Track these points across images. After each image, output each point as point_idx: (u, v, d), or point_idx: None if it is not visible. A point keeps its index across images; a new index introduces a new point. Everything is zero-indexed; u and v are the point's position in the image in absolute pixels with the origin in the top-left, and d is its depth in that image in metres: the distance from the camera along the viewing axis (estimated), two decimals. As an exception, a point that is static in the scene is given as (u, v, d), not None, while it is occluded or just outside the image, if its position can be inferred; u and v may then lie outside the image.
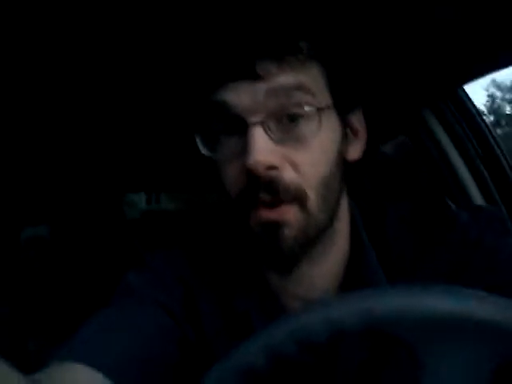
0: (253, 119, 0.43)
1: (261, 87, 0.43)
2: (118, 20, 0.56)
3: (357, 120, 0.52)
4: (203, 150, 0.47)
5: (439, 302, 0.28)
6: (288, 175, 0.44)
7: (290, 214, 0.44)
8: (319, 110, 0.44)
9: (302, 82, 0.44)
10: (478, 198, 1.02)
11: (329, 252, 0.50)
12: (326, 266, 0.51)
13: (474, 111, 1.04)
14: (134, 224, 2.06)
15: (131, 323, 0.47)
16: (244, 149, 0.43)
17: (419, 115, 1.07)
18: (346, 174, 0.51)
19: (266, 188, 0.44)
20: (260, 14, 0.44)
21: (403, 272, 0.50)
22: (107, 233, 1.74)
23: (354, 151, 0.52)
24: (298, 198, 0.44)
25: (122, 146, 1.31)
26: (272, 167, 0.43)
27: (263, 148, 0.42)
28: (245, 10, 0.44)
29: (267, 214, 0.44)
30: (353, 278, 0.51)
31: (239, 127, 0.44)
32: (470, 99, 1.05)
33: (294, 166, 0.44)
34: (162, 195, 3.06)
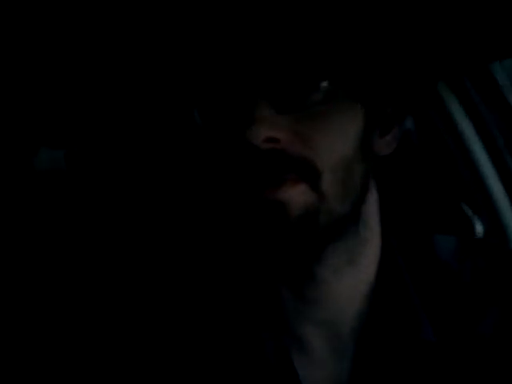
0: (258, 86, 0.41)
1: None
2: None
3: (387, 110, 0.48)
4: (200, 122, 0.45)
5: None
6: (296, 149, 0.41)
7: (294, 191, 0.41)
8: (333, 82, 0.42)
9: None
10: (503, 201, 0.80)
11: (356, 264, 0.46)
12: (352, 282, 0.46)
13: (505, 93, 0.80)
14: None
15: None
16: (245, 119, 0.40)
17: (434, 90, 0.82)
18: (375, 169, 0.48)
19: (268, 163, 0.40)
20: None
21: (453, 313, 0.46)
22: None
23: (384, 144, 0.48)
24: (307, 175, 0.41)
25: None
26: (274, 139, 0.40)
27: (265, 118, 0.40)
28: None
29: (267, 194, 0.41)
30: (385, 305, 0.46)
31: (242, 96, 0.42)
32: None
33: (306, 142, 0.41)
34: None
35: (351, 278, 0.46)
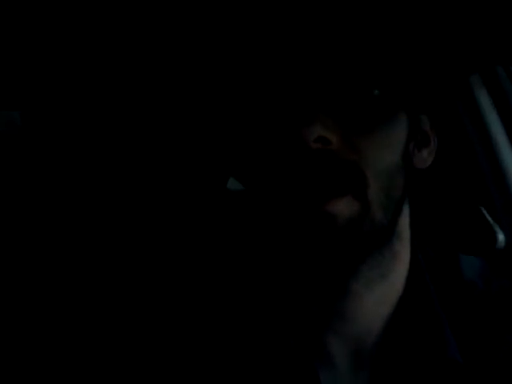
0: (313, 93, 0.41)
1: None
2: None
3: (426, 124, 0.50)
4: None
5: None
6: (345, 154, 0.40)
7: (341, 202, 0.40)
8: (383, 91, 0.42)
9: None
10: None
11: (387, 278, 0.46)
12: (382, 296, 0.46)
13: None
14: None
15: None
16: (299, 119, 0.40)
17: (464, 83, 0.75)
18: (411, 183, 0.47)
19: (317, 166, 0.39)
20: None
21: (478, 333, 0.46)
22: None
23: (422, 159, 0.49)
24: (353, 181, 0.40)
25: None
26: (325, 140, 0.39)
27: (318, 119, 0.39)
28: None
29: (316, 205, 0.39)
30: (411, 321, 0.46)
31: (297, 101, 0.41)
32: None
33: (354, 147, 0.41)
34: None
35: (381, 293, 0.46)
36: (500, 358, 0.45)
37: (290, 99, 0.42)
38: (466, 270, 0.50)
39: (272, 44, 0.43)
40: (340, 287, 0.45)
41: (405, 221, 0.48)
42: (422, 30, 0.54)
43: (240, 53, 0.47)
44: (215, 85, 0.56)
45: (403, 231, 0.47)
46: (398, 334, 0.46)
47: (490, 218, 0.73)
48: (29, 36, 0.81)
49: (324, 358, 0.47)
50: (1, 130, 1.29)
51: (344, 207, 0.40)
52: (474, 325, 0.46)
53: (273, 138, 0.42)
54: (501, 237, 0.71)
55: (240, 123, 0.45)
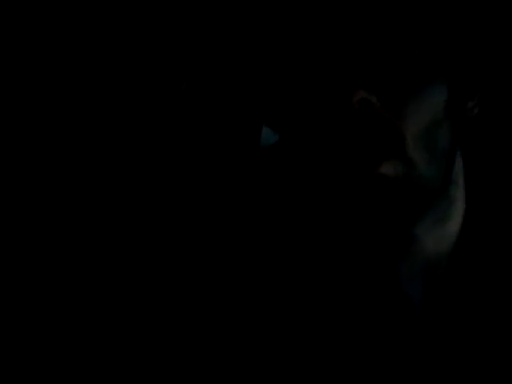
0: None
1: None
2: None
3: (469, 77, 0.51)
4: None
5: None
6: (384, 113, 0.44)
7: (388, 165, 0.44)
8: (425, 53, 0.45)
9: None
10: None
11: (443, 222, 0.50)
12: (438, 237, 0.51)
13: None
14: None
15: None
16: (343, 84, 0.44)
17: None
18: (460, 132, 0.50)
19: (360, 125, 0.44)
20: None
21: None
22: None
23: (468, 110, 0.50)
24: (393, 141, 0.44)
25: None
26: (368, 102, 0.44)
27: (362, 83, 0.44)
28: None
29: (366, 168, 0.44)
30: (465, 256, 0.55)
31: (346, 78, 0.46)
32: None
33: (393, 110, 0.44)
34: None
35: (440, 234, 0.51)
36: None
37: (339, 67, 0.47)
38: None
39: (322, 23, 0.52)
40: (404, 232, 0.50)
41: (458, 167, 0.52)
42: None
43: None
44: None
45: (458, 178, 0.52)
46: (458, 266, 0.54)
47: None
48: (28, 35, 0.83)
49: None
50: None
51: (391, 168, 0.45)
52: None
53: (323, 99, 0.47)
54: None
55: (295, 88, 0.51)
